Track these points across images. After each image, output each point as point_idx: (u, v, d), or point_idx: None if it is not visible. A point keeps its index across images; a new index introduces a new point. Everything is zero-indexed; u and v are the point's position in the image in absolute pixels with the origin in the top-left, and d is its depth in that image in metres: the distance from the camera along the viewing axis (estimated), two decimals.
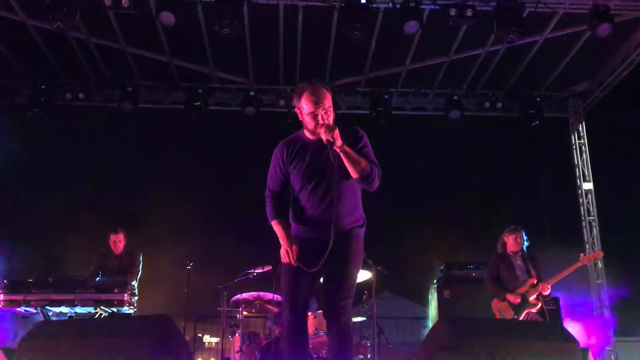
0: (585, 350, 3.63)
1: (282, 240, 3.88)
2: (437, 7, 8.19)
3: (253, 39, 9.21)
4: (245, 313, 7.22)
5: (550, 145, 11.25)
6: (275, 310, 7.05)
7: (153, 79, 10.37)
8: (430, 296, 8.96)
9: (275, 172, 3.95)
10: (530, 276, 6.64)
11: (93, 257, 7.34)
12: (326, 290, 3.81)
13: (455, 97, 10.44)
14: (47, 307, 6.06)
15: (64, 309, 6.19)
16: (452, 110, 10.37)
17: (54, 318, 6.21)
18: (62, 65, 9.99)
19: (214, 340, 9.90)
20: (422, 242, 10.54)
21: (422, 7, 8.21)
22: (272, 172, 3.99)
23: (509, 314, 6.59)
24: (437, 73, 10.28)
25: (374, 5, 8.22)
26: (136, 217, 9.80)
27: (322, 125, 3.71)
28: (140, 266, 7.24)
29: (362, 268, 6.61)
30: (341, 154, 3.69)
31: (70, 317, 6.25)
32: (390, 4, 8.19)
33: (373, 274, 6.61)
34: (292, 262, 3.79)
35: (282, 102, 10.38)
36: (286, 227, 3.92)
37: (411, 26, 8.03)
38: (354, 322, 7.18)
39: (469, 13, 7.94)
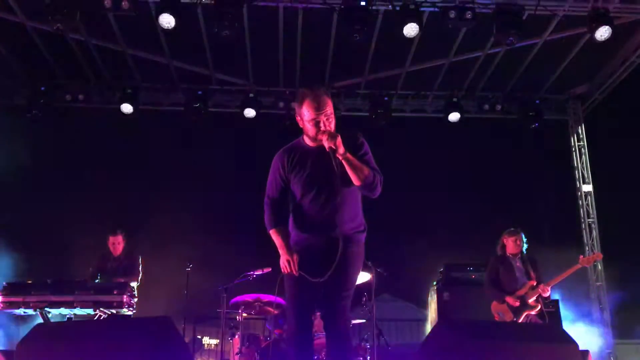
0: (584, 353, 3.63)
1: (282, 250, 3.82)
2: (436, 10, 8.20)
3: (253, 41, 9.22)
4: (244, 315, 7.22)
5: (549, 147, 11.26)
6: (275, 312, 7.05)
7: (153, 80, 10.38)
8: (429, 298, 8.96)
9: (275, 179, 3.91)
10: (529, 278, 6.64)
11: (92, 259, 7.31)
12: (325, 292, 3.77)
13: (455, 99, 10.44)
14: (46, 308, 6.05)
15: (63, 311, 6.18)
16: (451, 113, 10.37)
17: (53, 320, 6.21)
18: (61, 66, 9.99)
19: (214, 342, 9.88)
20: (422, 244, 10.53)
21: (422, 9, 8.22)
22: (271, 179, 3.94)
23: (509, 317, 6.59)
24: (436, 75, 10.29)
25: (374, 8, 8.23)
26: (136, 219, 9.79)
27: (324, 132, 3.67)
28: (141, 268, 7.23)
29: (362, 270, 6.62)
30: (344, 162, 3.66)
31: (69, 318, 6.25)
32: (390, 6, 8.19)
33: (372, 276, 6.61)
34: (294, 272, 3.74)
35: (281, 104, 10.38)
36: (285, 237, 3.88)
37: (411, 28, 8.05)
38: (354, 324, 7.18)
39: (469, 15, 7.95)
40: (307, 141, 3.88)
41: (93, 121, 10.46)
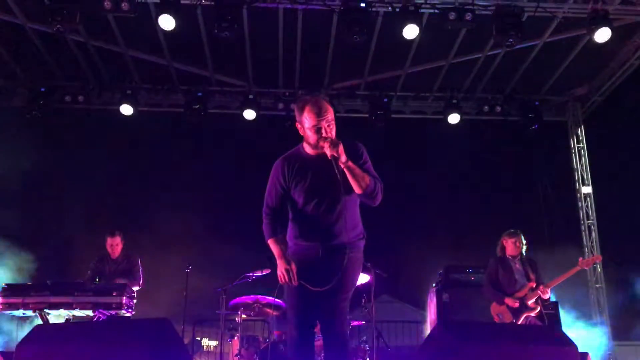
0: (584, 354, 3.63)
1: (280, 260, 3.77)
2: (436, 11, 8.20)
3: (252, 42, 9.22)
4: (244, 316, 7.22)
5: (549, 149, 11.27)
6: (275, 313, 7.05)
7: (152, 82, 10.38)
8: (429, 300, 8.95)
9: (275, 188, 3.87)
10: (529, 280, 6.64)
11: (90, 261, 7.27)
12: (324, 297, 3.74)
13: (455, 101, 10.43)
14: (45, 310, 6.04)
15: (62, 312, 6.17)
16: (451, 114, 10.38)
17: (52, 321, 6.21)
18: (61, 68, 9.99)
19: (213, 343, 9.88)
20: (422, 246, 10.55)
21: (422, 10, 8.23)
22: (270, 188, 3.90)
23: (508, 318, 6.58)
24: (436, 77, 10.29)
25: (374, 9, 8.24)
26: (135, 220, 9.80)
27: (326, 140, 3.63)
28: (141, 271, 7.20)
29: (362, 272, 6.61)
30: (345, 170, 3.64)
31: (68, 320, 6.24)
32: (390, 8, 8.20)
33: (372, 278, 6.61)
34: (294, 283, 3.70)
35: (281, 106, 10.38)
36: (284, 246, 3.85)
37: (410, 30, 8.06)
38: (353, 326, 7.18)
39: (468, 17, 7.96)
40: (308, 149, 3.85)
41: (93, 122, 10.46)
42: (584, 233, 10.52)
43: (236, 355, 6.93)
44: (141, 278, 7.15)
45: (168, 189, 10.55)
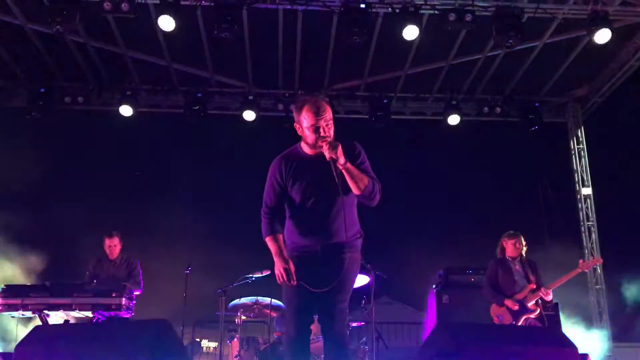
0: (584, 356, 3.62)
1: (278, 258, 3.75)
2: (436, 12, 8.20)
3: (252, 43, 9.21)
4: (243, 318, 7.21)
5: (549, 150, 11.27)
6: (274, 314, 7.04)
7: (152, 82, 10.37)
8: (428, 301, 8.93)
9: (273, 187, 3.87)
10: (529, 282, 6.62)
11: (88, 262, 7.25)
12: (324, 297, 3.74)
13: (454, 102, 10.43)
14: (44, 311, 6.04)
15: (61, 314, 6.16)
16: (451, 115, 10.37)
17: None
18: (61, 68, 9.99)
19: (213, 345, 9.86)
20: (421, 247, 10.55)
21: (421, 11, 8.23)
22: (268, 187, 3.90)
23: (508, 320, 6.57)
24: (436, 78, 10.29)
25: (373, 10, 8.23)
26: (135, 221, 9.79)
27: (325, 140, 3.64)
28: (141, 275, 7.17)
29: (361, 273, 6.61)
30: (344, 172, 3.64)
31: (67, 321, 6.23)
32: (390, 9, 8.19)
33: (372, 279, 6.60)
34: (293, 282, 3.69)
35: (281, 107, 10.38)
36: (282, 244, 3.83)
37: (410, 31, 8.06)
38: (353, 327, 7.18)
39: (468, 18, 7.96)
40: (305, 149, 3.85)
41: (92, 123, 10.45)
42: (583, 234, 10.50)
43: (236, 356, 6.92)
44: (141, 282, 7.12)
45: (168, 190, 10.55)
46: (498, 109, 10.70)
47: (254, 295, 7.04)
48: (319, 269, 3.74)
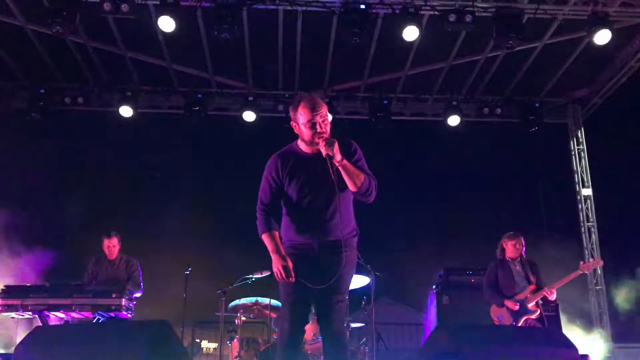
0: (584, 357, 3.62)
1: (275, 255, 3.76)
2: (436, 13, 8.20)
3: (252, 44, 9.22)
4: (243, 318, 7.20)
5: (549, 151, 11.25)
6: (274, 315, 7.04)
7: (152, 83, 10.38)
8: (429, 302, 8.93)
9: (269, 185, 3.89)
10: (529, 283, 6.62)
11: (87, 263, 7.24)
12: (321, 296, 3.76)
13: (455, 103, 10.44)
14: (44, 312, 6.03)
15: (61, 314, 6.16)
16: (451, 116, 10.37)
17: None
18: (61, 69, 9.99)
19: (212, 345, 9.85)
20: (421, 248, 10.54)
21: (422, 12, 8.23)
22: (264, 185, 3.92)
23: (508, 320, 6.57)
24: (436, 79, 10.29)
25: (373, 11, 8.24)
26: (135, 222, 9.79)
27: (321, 137, 3.68)
28: (141, 277, 7.16)
29: (361, 274, 6.61)
30: (340, 169, 3.67)
31: (66, 321, 6.23)
32: (390, 10, 8.20)
33: (372, 280, 6.60)
34: (291, 280, 3.70)
35: (281, 107, 10.39)
36: (278, 241, 3.85)
37: (410, 31, 8.06)
38: (353, 328, 7.17)
39: (468, 19, 7.96)
40: (302, 146, 3.88)
41: (92, 124, 10.45)
42: (584, 235, 10.51)
43: (236, 357, 6.91)
44: (142, 284, 7.11)
45: (167, 191, 10.53)
46: (498, 110, 10.71)
47: (254, 296, 7.03)
48: (315, 266, 3.77)
